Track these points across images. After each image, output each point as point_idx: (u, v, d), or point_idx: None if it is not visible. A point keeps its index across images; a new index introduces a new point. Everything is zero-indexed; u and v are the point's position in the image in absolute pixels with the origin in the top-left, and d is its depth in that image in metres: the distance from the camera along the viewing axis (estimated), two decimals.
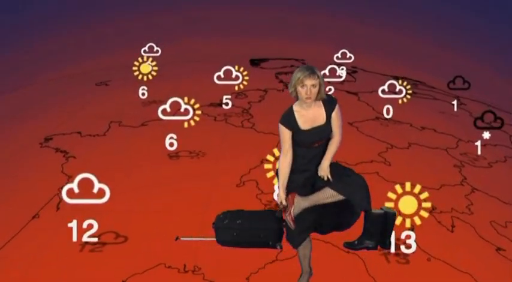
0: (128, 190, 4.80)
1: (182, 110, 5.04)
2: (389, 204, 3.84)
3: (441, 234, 4.51)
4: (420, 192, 3.88)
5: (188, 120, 5.05)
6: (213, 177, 4.97)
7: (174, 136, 5.14)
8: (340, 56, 8.73)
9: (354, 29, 11.68)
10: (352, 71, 10.10)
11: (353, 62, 9.28)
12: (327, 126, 3.42)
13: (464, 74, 9.92)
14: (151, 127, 6.16)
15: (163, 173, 5.03)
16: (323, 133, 3.41)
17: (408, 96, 6.39)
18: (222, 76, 6.28)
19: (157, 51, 8.55)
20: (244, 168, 5.17)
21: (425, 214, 3.82)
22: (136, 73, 6.65)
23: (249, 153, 5.50)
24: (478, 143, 5.73)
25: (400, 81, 6.40)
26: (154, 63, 6.70)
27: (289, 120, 3.42)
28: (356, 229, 3.56)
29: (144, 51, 8.59)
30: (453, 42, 11.40)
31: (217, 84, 6.45)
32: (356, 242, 3.68)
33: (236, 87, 6.31)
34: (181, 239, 3.96)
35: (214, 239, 3.57)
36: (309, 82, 3.34)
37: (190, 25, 11.58)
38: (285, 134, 3.43)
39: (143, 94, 6.78)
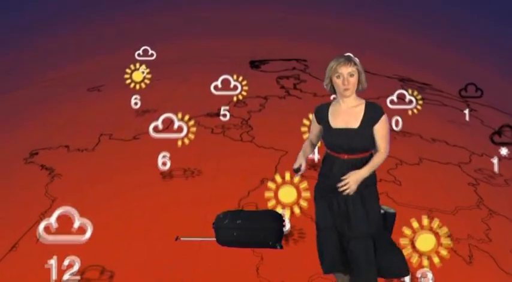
0: (114, 217, 4.40)
1: (175, 127, 4.63)
2: (404, 241, 3.46)
3: (458, 266, 4.12)
4: (439, 227, 3.49)
5: (182, 138, 4.64)
6: (208, 201, 4.57)
7: (167, 154, 4.74)
8: None
9: (356, 29, 11.30)
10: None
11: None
12: (360, 132, 2.97)
13: (471, 75, 9.54)
14: (143, 141, 5.74)
15: (154, 197, 4.62)
16: (352, 139, 2.96)
17: (419, 107, 5.98)
18: (220, 86, 5.86)
19: (152, 55, 8.15)
20: (243, 190, 4.77)
21: (445, 252, 3.43)
22: (128, 81, 6.23)
23: (248, 171, 5.09)
24: (495, 161, 5.32)
25: (410, 91, 5.98)
26: (147, 70, 6.28)
27: (321, 111, 3.09)
28: None
29: (139, 54, 8.19)
30: (458, 42, 11.04)
31: (215, 94, 6.02)
32: None
33: (235, 98, 5.89)
34: (182, 239, 3.86)
35: (215, 239, 3.54)
36: (344, 70, 2.96)
37: (187, 26, 11.16)
38: (313, 124, 3.14)
39: (136, 103, 6.37)
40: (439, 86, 9.67)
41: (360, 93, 3.12)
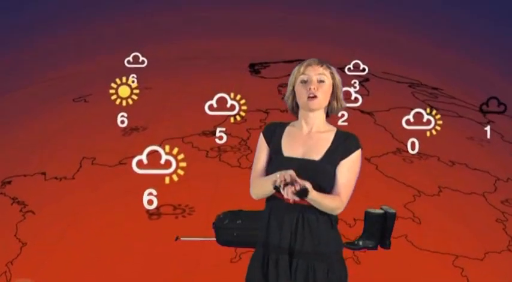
0: (91, 267, 3.81)
1: (162, 162, 4.01)
2: None
3: None
4: None
5: (170, 175, 4.02)
6: (201, 250, 3.97)
7: (154, 192, 4.12)
8: (352, 68, 7.68)
9: (358, 29, 10.70)
10: (364, 79, 9.05)
11: (367, 74, 8.25)
12: (321, 167, 2.11)
13: (482, 78, 8.96)
14: (128, 168, 5.11)
15: (138, 243, 4.01)
16: (308, 174, 2.03)
17: (438, 128, 5.35)
18: (215, 105, 5.23)
19: (142, 62, 7.48)
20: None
21: None
22: (113, 97, 5.60)
23: (248, 208, 4.49)
24: None
25: (428, 110, 5.34)
26: (135, 85, 5.64)
27: (272, 129, 2.23)
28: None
29: (128, 61, 7.52)
30: (459, 42, 10.50)
31: (209, 114, 5.39)
32: (356, 242, 3.60)
33: (232, 119, 5.26)
34: (182, 239, 3.78)
35: (215, 239, 3.49)
36: (313, 72, 2.14)
37: (183, 26, 10.51)
38: (260, 148, 2.24)
39: (122, 122, 5.74)
40: (450, 91, 9.07)
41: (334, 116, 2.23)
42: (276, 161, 2.17)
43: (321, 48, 10.35)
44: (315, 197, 2.01)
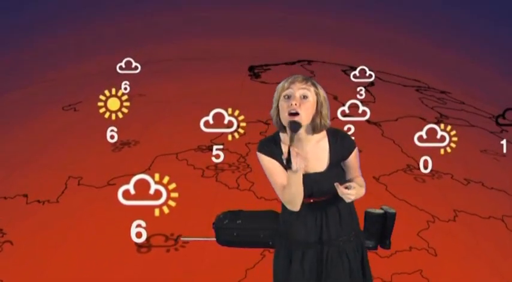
0: None
1: (152, 191, 3.61)
2: None
3: None
4: None
5: (160, 206, 3.62)
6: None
7: (142, 223, 3.72)
8: (358, 74, 7.26)
9: (360, 30, 10.35)
10: (369, 83, 8.64)
11: (362, 76, 7.84)
12: (328, 175, 2.26)
13: (486, 78, 8.58)
14: (116, 189, 4.70)
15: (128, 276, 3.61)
16: (319, 184, 2.26)
17: (453, 145, 4.94)
18: (211, 122, 4.82)
19: (136, 68, 7.08)
20: (240, 268, 3.76)
21: None
22: (102, 110, 5.18)
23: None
24: None
25: (442, 126, 4.93)
26: (125, 97, 5.22)
27: (271, 148, 2.30)
28: None
29: (120, 67, 7.12)
30: (459, 42, 10.16)
31: (205, 132, 4.97)
32: None
33: (230, 137, 4.85)
34: (182, 239, 3.71)
35: (215, 239, 3.41)
36: (297, 87, 2.18)
37: (182, 26, 10.13)
38: (271, 166, 2.26)
39: (112, 137, 5.33)
40: (458, 94, 8.68)
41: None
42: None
43: (321, 49, 9.99)
44: (356, 195, 2.20)
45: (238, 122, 4.81)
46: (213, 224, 3.61)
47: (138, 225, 3.72)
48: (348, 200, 2.18)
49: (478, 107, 7.87)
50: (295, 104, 2.15)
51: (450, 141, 4.92)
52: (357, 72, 7.11)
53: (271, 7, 10.28)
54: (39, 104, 7.39)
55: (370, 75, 7.13)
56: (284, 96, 2.21)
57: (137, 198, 3.63)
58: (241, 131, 4.82)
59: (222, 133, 5.01)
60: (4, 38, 10.05)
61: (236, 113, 4.84)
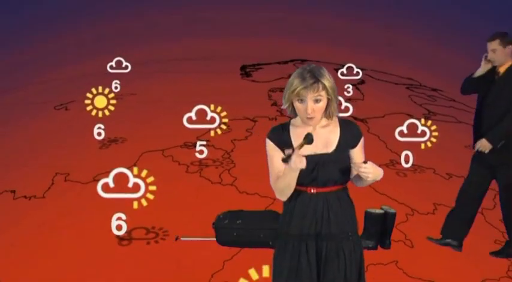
0: None
1: (131, 185, 3.69)
2: None
3: None
4: None
5: (138, 199, 3.70)
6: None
7: (123, 216, 3.80)
8: (345, 72, 7.34)
9: (356, 29, 10.40)
10: (359, 81, 8.70)
11: (363, 76, 7.91)
12: (336, 158, 2.31)
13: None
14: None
15: (106, 274, 3.70)
16: (326, 168, 2.28)
17: (433, 140, 5.00)
18: (194, 118, 4.90)
19: (126, 67, 7.18)
20: (218, 261, 3.84)
21: None
22: (89, 108, 5.27)
23: None
24: None
25: (422, 121, 5.00)
26: (112, 95, 5.31)
27: (279, 133, 2.35)
28: None
29: (111, 67, 7.22)
30: (460, 42, 10.20)
31: (191, 129, 5.05)
32: None
33: (212, 133, 4.93)
34: (182, 239, 3.73)
35: (215, 239, 3.50)
36: (310, 95, 2.25)
37: (176, 26, 10.21)
38: (273, 154, 2.31)
39: (99, 134, 5.42)
40: (450, 92, 8.73)
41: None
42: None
43: (317, 48, 10.05)
44: (374, 174, 2.25)
45: (221, 118, 4.88)
46: (213, 224, 3.66)
47: (119, 218, 3.79)
48: (366, 177, 2.22)
49: (468, 105, 7.90)
50: (311, 111, 2.26)
51: (431, 136, 4.98)
52: (344, 69, 7.18)
53: (270, 7, 10.36)
54: (32, 104, 7.50)
55: (358, 73, 7.20)
56: (298, 100, 2.27)
57: (116, 192, 3.70)
58: (223, 126, 4.89)
59: (209, 130, 5.08)
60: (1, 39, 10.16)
61: (218, 109, 4.92)
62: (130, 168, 3.72)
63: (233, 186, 4.84)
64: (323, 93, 2.25)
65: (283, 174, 2.24)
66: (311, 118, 2.26)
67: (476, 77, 3.89)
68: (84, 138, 5.74)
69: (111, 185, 3.68)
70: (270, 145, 2.33)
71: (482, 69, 3.86)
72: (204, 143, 5.06)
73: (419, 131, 4.99)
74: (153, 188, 3.70)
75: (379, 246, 4.14)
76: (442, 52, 10.10)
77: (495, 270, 3.99)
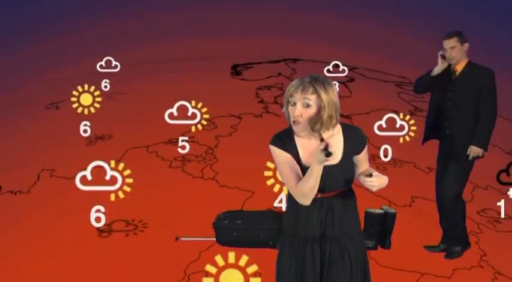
0: None
1: (108, 177, 3.78)
2: (208, 280, 3.05)
3: None
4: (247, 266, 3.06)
5: (115, 191, 3.79)
6: (155, 272, 3.75)
7: (102, 208, 3.90)
8: (331, 69, 7.43)
9: (355, 29, 10.45)
10: (349, 79, 8.79)
11: (348, 74, 7.97)
12: (341, 168, 2.28)
13: None
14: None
15: (85, 266, 3.78)
16: (331, 177, 2.26)
17: (412, 134, 5.08)
18: (176, 114, 5.00)
19: (115, 66, 7.29)
20: (193, 252, 3.93)
21: None
22: (75, 105, 5.38)
23: (205, 222, 4.24)
24: (502, 203, 4.44)
25: (401, 115, 5.08)
26: (97, 93, 5.41)
27: (284, 141, 2.29)
28: None
29: (101, 66, 7.33)
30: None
31: (169, 123, 5.15)
32: None
33: (193, 128, 5.02)
34: (182, 239, 3.76)
35: (215, 239, 3.49)
36: (299, 97, 2.19)
37: (172, 26, 10.29)
38: (284, 161, 2.27)
39: (85, 131, 5.52)
40: None
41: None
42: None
43: (317, 49, 10.09)
44: (379, 183, 2.28)
45: (202, 114, 4.97)
46: (213, 223, 3.67)
47: (98, 211, 3.88)
48: (371, 189, 2.25)
49: None
50: (298, 115, 2.21)
51: (409, 130, 5.06)
52: (330, 67, 7.26)
53: (270, 7, 10.42)
54: (32, 104, 7.60)
55: (344, 70, 7.28)
56: (289, 103, 2.24)
57: (94, 184, 3.80)
58: (204, 122, 4.98)
59: (191, 125, 5.17)
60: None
61: (199, 105, 5.01)
62: (107, 161, 3.82)
63: (214, 181, 4.94)
64: (313, 97, 2.19)
65: (309, 175, 2.20)
66: (296, 122, 2.21)
67: (434, 75, 3.92)
68: (73, 135, 5.86)
69: (89, 177, 3.78)
70: (279, 152, 2.28)
71: (440, 67, 3.90)
72: (187, 138, 5.15)
73: (397, 126, 5.08)
74: (129, 180, 3.79)
75: (379, 246, 4.21)
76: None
77: (467, 260, 4.07)
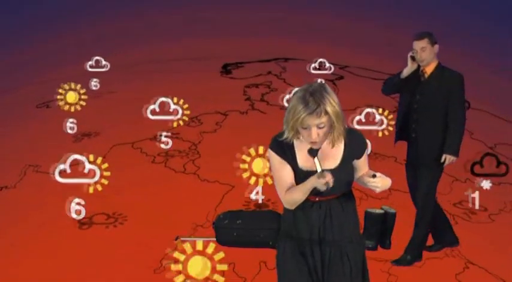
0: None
1: (86, 170, 3.88)
2: (175, 267, 3.13)
3: None
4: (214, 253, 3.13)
5: (94, 184, 3.89)
6: (131, 262, 3.84)
7: (82, 201, 3.99)
8: (317, 66, 7.52)
9: (355, 29, 10.52)
10: (338, 77, 8.87)
11: (336, 71, 8.05)
12: (340, 172, 2.28)
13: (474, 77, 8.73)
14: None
15: (65, 258, 3.87)
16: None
17: (390, 128, 5.17)
18: (157, 110, 5.09)
19: (105, 66, 7.39)
20: (172, 245, 4.01)
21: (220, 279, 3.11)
22: (61, 103, 5.48)
23: (183, 215, 4.34)
24: (476, 195, 4.51)
25: (380, 110, 5.16)
26: (83, 90, 5.52)
27: (282, 145, 2.30)
28: None
29: (90, 66, 7.44)
30: (458, 42, 10.31)
31: (154, 120, 5.25)
32: None
33: (175, 124, 5.12)
34: (181, 239, 3.67)
35: (215, 239, 3.44)
36: (313, 121, 2.19)
37: (168, 26, 10.39)
38: (280, 167, 2.31)
39: (71, 128, 5.62)
40: None
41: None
42: (296, 176, 2.33)
43: (317, 49, 10.12)
44: (383, 185, 2.29)
45: (183, 110, 5.07)
46: (213, 223, 3.54)
47: (78, 203, 3.98)
48: (374, 190, 2.25)
49: None
50: (315, 137, 2.22)
51: (388, 124, 5.14)
52: (316, 64, 7.35)
53: (270, 7, 10.49)
54: (25, 103, 7.70)
55: (330, 68, 7.36)
56: (302, 127, 2.22)
57: (72, 177, 3.90)
58: (185, 118, 5.07)
59: (172, 121, 5.27)
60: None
61: (181, 101, 5.11)
62: (85, 155, 3.92)
63: (195, 175, 5.03)
64: (324, 119, 2.19)
65: (299, 189, 2.27)
66: (316, 144, 2.24)
67: (403, 77, 3.82)
68: (59, 133, 5.96)
69: (68, 171, 3.88)
70: (275, 158, 2.31)
71: (409, 69, 3.81)
72: (169, 134, 5.24)
73: (376, 120, 5.16)
74: (107, 173, 3.89)
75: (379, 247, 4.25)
76: (442, 52, 10.19)
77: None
